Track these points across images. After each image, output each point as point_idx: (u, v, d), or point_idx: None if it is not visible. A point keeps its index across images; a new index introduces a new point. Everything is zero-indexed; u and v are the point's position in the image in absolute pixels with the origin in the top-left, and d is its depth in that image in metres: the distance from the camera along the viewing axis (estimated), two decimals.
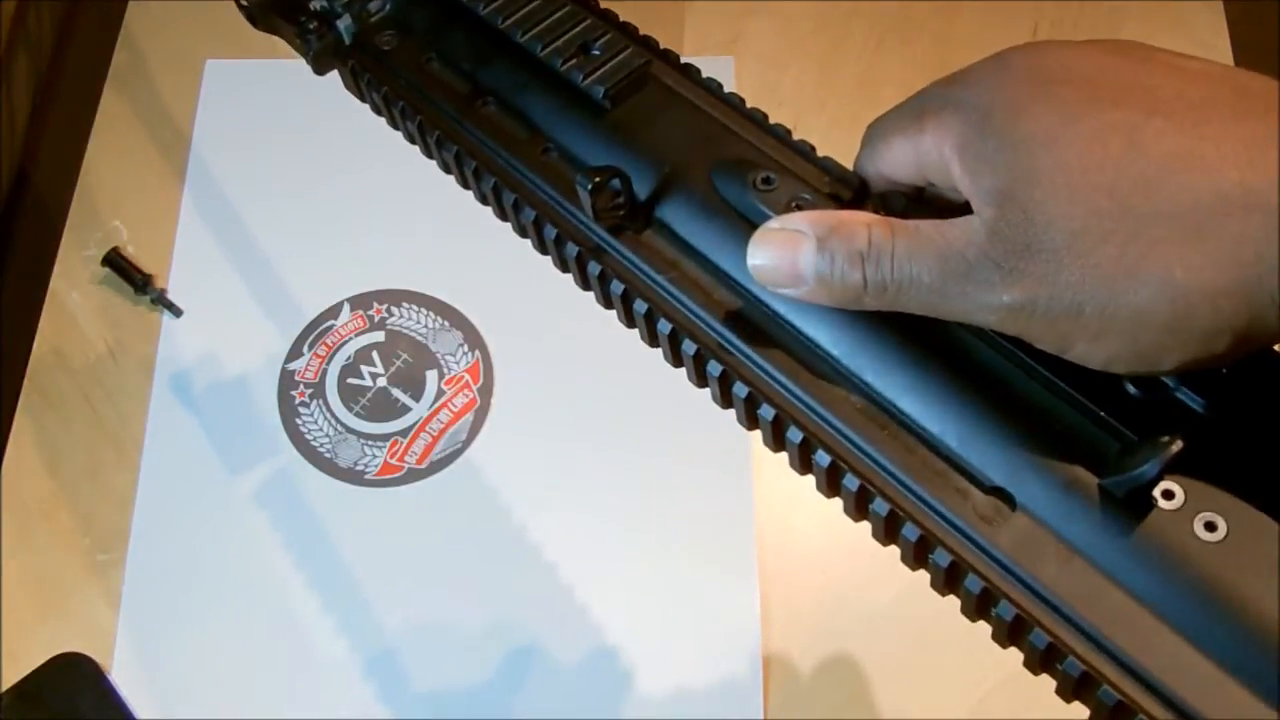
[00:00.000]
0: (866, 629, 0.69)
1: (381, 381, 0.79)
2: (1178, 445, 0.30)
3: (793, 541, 0.73)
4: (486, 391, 0.78)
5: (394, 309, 0.81)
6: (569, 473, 0.75)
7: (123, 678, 0.69)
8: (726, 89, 0.42)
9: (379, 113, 0.49)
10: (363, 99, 0.49)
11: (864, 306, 0.34)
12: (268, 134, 0.86)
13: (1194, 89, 0.30)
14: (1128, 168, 0.30)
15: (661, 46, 0.44)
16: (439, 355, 0.79)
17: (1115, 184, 0.30)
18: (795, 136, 0.40)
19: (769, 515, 0.73)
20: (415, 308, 0.81)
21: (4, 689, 0.68)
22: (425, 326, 0.80)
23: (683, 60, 0.43)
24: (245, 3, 0.49)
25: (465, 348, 0.79)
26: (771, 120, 0.41)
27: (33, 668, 0.69)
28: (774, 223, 0.36)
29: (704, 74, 0.43)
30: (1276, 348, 0.32)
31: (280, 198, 0.85)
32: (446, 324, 0.80)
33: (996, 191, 0.31)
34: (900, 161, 0.35)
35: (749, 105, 0.42)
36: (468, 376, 0.78)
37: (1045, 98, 0.31)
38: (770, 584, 0.71)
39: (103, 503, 0.75)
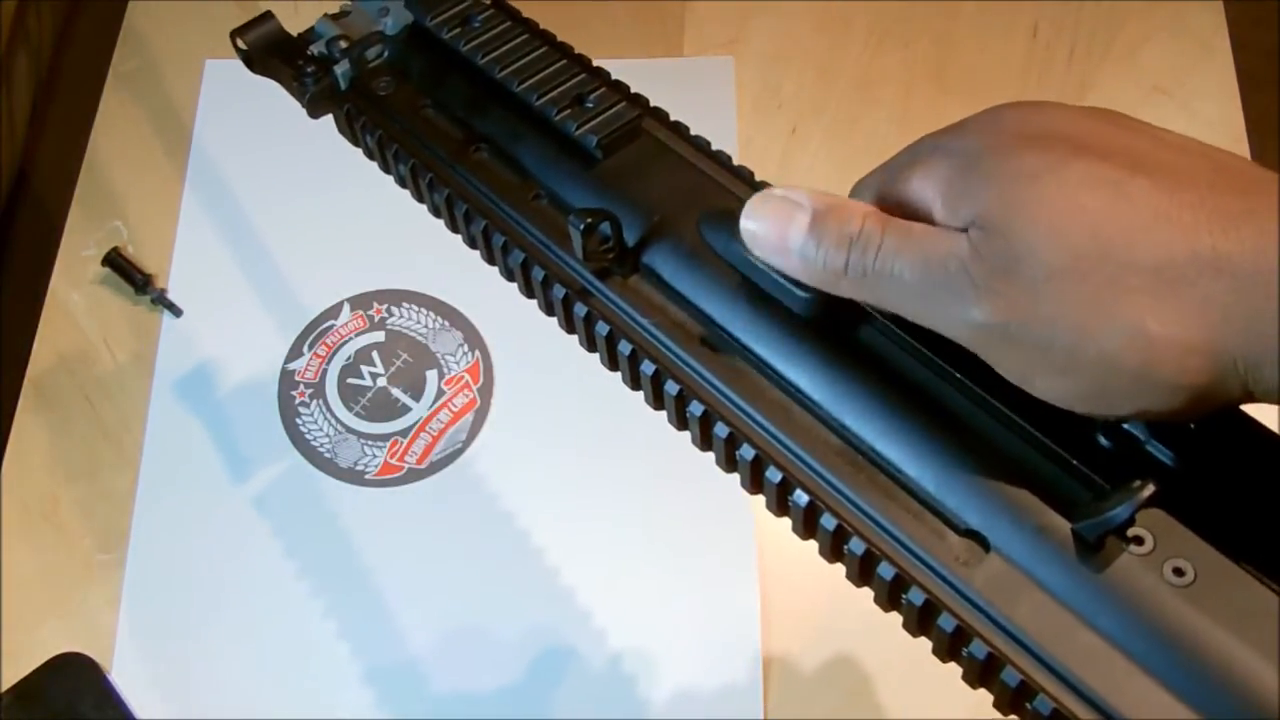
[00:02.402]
0: (866, 629, 0.69)
1: (381, 381, 0.79)
2: (1149, 489, 0.31)
3: (793, 541, 0.72)
4: (486, 391, 0.78)
5: (394, 309, 0.81)
6: (569, 473, 0.75)
7: (123, 678, 0.69)
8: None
9: (371, 157, 0.49)
10: (356, 143, 0.50)
11: (839, 291, 0.35)
12: (268, 134, 0.86)
13: (1175, 159, 0.31)
14: (1111, 214, 0.30)
15: (652, 104, 0.44)
16: (439, 355, 0.79)
17: (1098, 228, 0.30)
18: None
19: (769, 515, 0.73)
20: (415, 308, 0.81)
21: (4, 689, 0.68)
22: (425, 326, 0.80)
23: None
24: (244, 47, 0.50)
25: (465, 348, 0.79)
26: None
27: (33, 668, 0.69)
28: (777, 190, 0.36)
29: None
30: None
31: (281, 197, 0.85)
32: (446, 324, 0.80)
33: (979, 216, 0.32)
34: (884, 210, 0.36)
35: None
36: (468, 376, 0.78)
37: (1034, 146, 0.32)
38: (770, 584, 0.71)
39: (103, 503, 0.75)
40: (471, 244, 0.46)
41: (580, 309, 0.41)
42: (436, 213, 0.47)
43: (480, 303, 0.80)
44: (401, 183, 0.48)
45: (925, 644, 0.35)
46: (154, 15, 0.93)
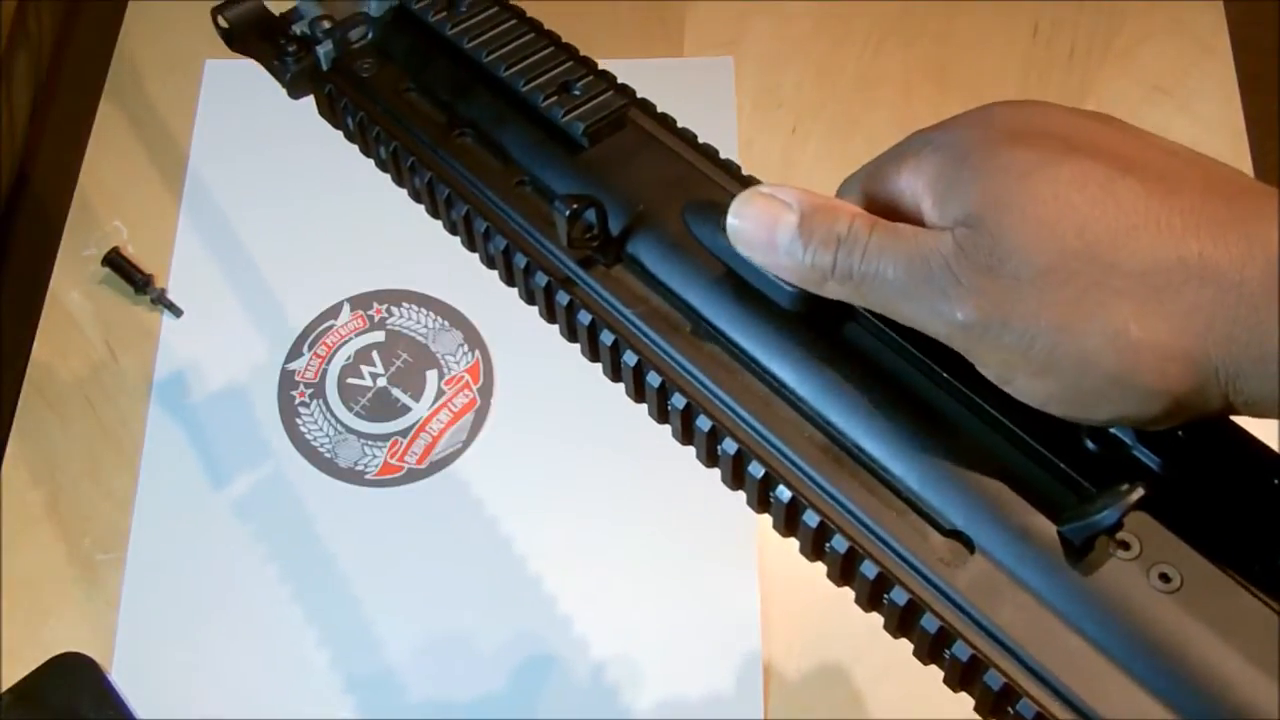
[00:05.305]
0: (867, 629, 0.69)
1: (381, 381, 0.79)
2: (1137, 493, 0.30)
3: (793, 542, 0.72)
4: (486, 391, 0.78)
5: (394, 309, 0.81)
6: (569, 473, 0.75)
7: (123, 678, 0.69)
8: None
9: (352, 139, 0.49)
10: (337, 125, 0.50)
11: (825, 291, 0.35)
12: (267, 134, 0.86)
13: (1166, 163, 0.31)
14: (1100, 214, 0.30)
15: (639, 95, 0.44)
16: (439, 355, 0.79)
17: (1085, 227, 0.30)
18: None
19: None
20: (415, 308, 0.81)
21: (4, 689, 0.68)
22: (425, 326, 0.80)
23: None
24: (226, 24, 0.49)
25: (465, 348, 0.79)
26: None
27: (33, 668, 0.69)
28: (764, 188, 0.36)
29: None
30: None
31: (280, 197, 0.85)
32: (446, 324, 0.80)
33: (966, 214, 0.32)
34: (873, 206, 0.36)
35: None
36: (468, 376, 0.78)
37: (1024, 142, 0.32)
38: (770, 584, 0.71)
39: (103, 503, 0.75)
40: (452, 230, 0.45)
41: (562, 297, 0.40)
42: (417, 197, 0.47)
43: (480, 303, 0.80)
44: (382, 166, 0.48)
45: None
46: (154, 15, 0.93)
